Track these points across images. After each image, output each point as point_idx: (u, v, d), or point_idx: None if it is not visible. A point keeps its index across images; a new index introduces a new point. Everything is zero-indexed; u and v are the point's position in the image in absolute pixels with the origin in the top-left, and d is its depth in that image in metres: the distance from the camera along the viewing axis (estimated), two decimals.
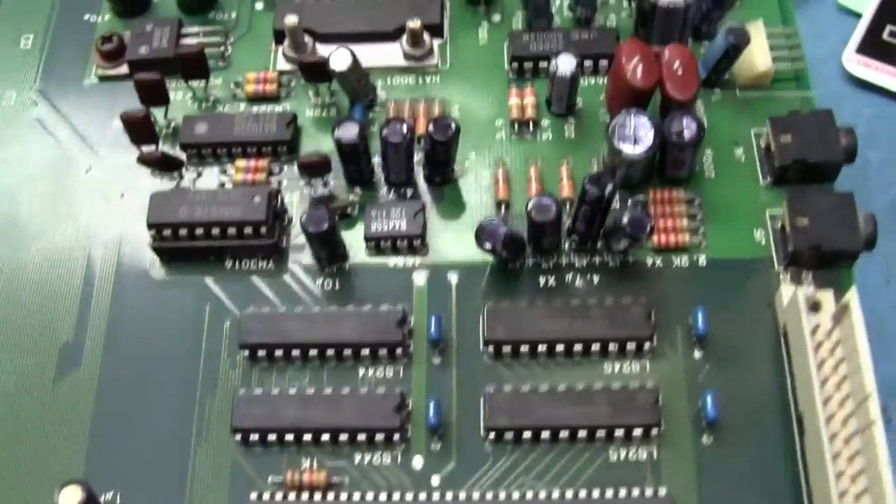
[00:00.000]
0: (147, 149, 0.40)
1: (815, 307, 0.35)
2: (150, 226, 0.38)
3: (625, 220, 0.35)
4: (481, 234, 0.36)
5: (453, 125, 0.37)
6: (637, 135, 0.37)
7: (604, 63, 0.41)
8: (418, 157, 0.39)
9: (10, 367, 0.37)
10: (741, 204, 0.38)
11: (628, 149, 0.37)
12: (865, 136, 0.52)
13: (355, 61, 0.39)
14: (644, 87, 0.38)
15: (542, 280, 0.37)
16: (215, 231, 0.37)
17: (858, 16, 0.58)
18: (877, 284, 0.47)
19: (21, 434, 0.36)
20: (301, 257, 0.38)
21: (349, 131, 0.37)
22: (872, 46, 0.56)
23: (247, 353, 0.36)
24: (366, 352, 0.36)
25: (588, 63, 0.41)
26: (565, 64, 0.39)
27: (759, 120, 0.40)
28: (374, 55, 0.42)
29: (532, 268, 0.38)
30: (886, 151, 0.52)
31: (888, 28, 0.56)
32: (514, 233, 0.36)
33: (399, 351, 0.36)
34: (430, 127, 0.37)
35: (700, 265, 0.37)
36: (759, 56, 0.40)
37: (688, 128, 0.37)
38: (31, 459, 0.35)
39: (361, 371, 0.36)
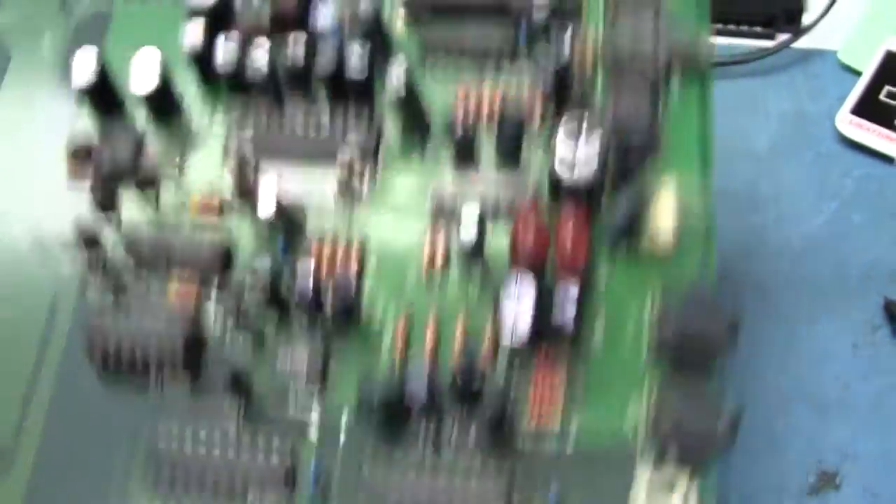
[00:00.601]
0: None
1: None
2: (84, 344, 0.43)
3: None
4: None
5: (353, 288, 0.41)
6: (520, 296, 0.40)
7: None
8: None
9: None
10: (620, 381, 0.40)
11: (508, 311, 0.40)
12: (852, 196, 0.57)
13: (281, 205, 0.43)
14: (533, 255, 0.40)
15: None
16: (139, 353, 0.42)
17: (858, 74, 0.59)
18: (844, 349, 0.50)
19: None
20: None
21: (260, 276, 0.41)
22: (868, 107, 0.59)
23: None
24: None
25: (503, 209, 0.43)
26: (468, 220, 0.41)
27: (657, 287, 0.41)
28: (311, 182, 0.45)
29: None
30: (870, 213, 0.55)
31: (886, 89, 0.56)
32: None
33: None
34: (335, 285, 0.41)
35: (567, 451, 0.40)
36: (663, 220, 0.42)
37: (568, 303, 0.40)
38: None
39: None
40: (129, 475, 0.41)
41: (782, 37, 0.65)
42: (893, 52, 0.61)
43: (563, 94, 0.44)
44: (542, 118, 0.45)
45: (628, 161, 0.42)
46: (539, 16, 0.44)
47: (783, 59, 0.64)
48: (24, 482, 0.42)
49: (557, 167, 0.41)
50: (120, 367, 0.43)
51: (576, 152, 0.41)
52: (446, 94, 0.46)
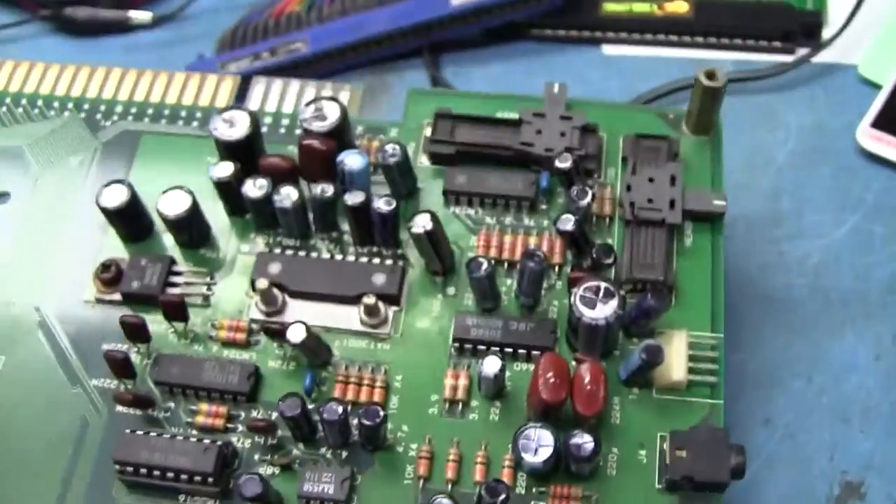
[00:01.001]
0: (122, 390, 0.46)
1: None
2: (115, 461, 0.44)
3: None
4: None
5: (381, 414, 0.43)
6: (538, 447, 0.43)
7: (536, 352, 0.46)
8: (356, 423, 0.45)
9: None
10: None
11: (528, 458, 0.42)
12: (873, 209, 0.58)
13: (309, 336, 0.45)
14: (550, 402, 0.43)
15: None
16: (169, 474, 0.44)
17: (878, 87, 0.61)
18: (867, 360, 0.52)
19: None
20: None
21: (293, 407, 0.43)
22: (888, 120, 0.60)
23: None
24: None
25: (522, 351, 0.46)
26: (490, 366, 0.44)
27: (668, 424, 0.44)
28: (336, 316, 0.47)
29: None
30: (891, 226, 0.57)
31: None
32: None
33: None
34: (362, 415, 0.43)
35: None
36: (676, 366, 0.45)
37: (584, 447, 0.42)
38: None
39: None
40: None
41: (802, 51, 0.65)
42: None
43: (581, 242, 0.47)
44: (561, 265, 0.49)
45: (641, 316, 0.46)
46: (563, 166, 0.48)
47: (803, 73, 0.64)
48: None
49: (577, 312, 0.44)
50: (149, 484, 0.44)
51: (595, 309, 0.44)
52: (467, 239, 0.50)
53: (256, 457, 0.45)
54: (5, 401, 0.47)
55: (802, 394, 0.52)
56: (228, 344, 0.48)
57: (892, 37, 0.64)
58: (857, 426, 0.51)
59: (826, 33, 0.65)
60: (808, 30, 0.65)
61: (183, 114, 0.55)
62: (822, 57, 0.64)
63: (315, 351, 0.46)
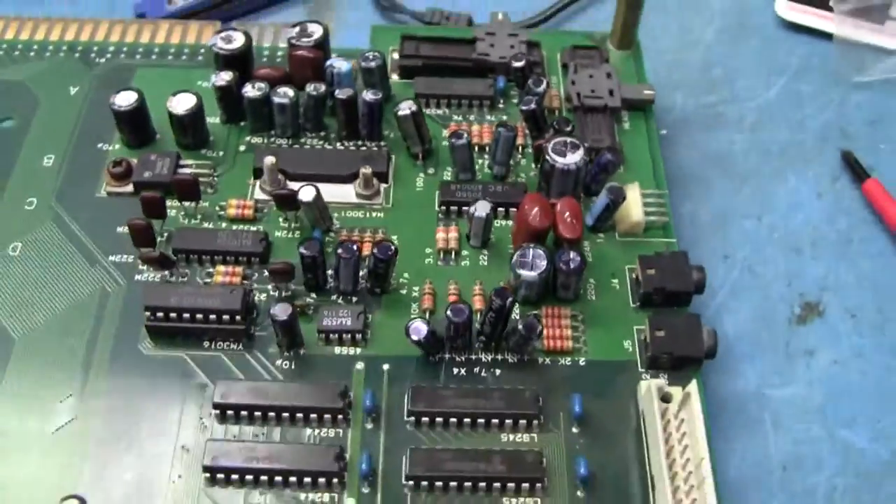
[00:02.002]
0: (146, 250, 0.51)
1: (666, 399, 0.47)
2: (146, 308, 0.48)
3: (519, 324, 0.47)
4: (409, 331, 0.47)
5: (392, 247, 0.49)
6: (534, 263, 0.50)
7: (513, 209, 0.54)
8: (364, 272, 0.51)
9: (18, 417, 0.47)
10: (615, 320, 0.50)
11: (526, 273, 0.49)
12: (798, 71, 0.66)
13: (318, 195, 0.51)
14: (540, 228, 0.50)
15: (455, 370, 0.49)
16: (199, 316, 0.48)
17: None
18: (810, 198, 0.60)
19: (24, 470, 0.45)
20: (266, 344, 0.49)
21: (312, 248, 0.49)
22: None
23: (218, 411, 0.47)
24: (314, 416, 0.46)
25: (501, 209, 0.54)
26: (482, 209, 0.51)
27: (632, 259, 0.52)
28: (333, 193, 0.54)
29: (448, 361, 0.49)
30: (816, 84, 0.65)
31: None
32: (435, 331, 0.48)
33: (340, 416, 0.47)
34: (374, 248, 0.49)
35: (581, 364, 0.49)
36: (634, 210, 0.53)
37: (573, 260, 0.49)
38: (30, 481, 0.45)
39: (309, 431, 0.47)
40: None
41: None
42: None
43: (541, 121, 0.56)
44: (523, 145, 0.57)
45: (601, 171, 0.54)
46: (518, 65, 0.57)
47: None
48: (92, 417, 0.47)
49: (551, 160, 0.52)
50: (177, 328, 0.49)
51: (566, 157, 0.52)
52: (440, 131, 0.58)
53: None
54: (26, 279, 0.51)
55: (755, 231, 0.58)
56: (237, 220, 0.53)
57: None
58: (809, 254, 0.57)
59: None
60: None
61: (172, 51, 0.62)
62: None
63: (322, 213, 0.52)
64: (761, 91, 0.65)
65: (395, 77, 0.61)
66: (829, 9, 0.68)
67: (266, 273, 0.51)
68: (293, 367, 0.49)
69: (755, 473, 0.50)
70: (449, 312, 0.47)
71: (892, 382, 0.53)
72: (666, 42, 0.63)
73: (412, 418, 0.47)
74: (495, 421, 0.47)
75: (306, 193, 0.51)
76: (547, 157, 0.52)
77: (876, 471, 0.50)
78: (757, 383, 0.53)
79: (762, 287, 0.56)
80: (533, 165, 0.56)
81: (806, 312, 0.55)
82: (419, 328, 0.47)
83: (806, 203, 0.60)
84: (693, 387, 0.46)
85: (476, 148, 0.57)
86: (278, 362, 0.49)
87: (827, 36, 0.67)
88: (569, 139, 0.53)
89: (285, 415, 0.46)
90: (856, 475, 0.50)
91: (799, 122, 0.63)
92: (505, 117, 0.58)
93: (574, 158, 0.52)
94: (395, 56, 0.61)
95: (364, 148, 0.56)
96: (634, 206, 0.54)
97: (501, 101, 0.59)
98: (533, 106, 0.55)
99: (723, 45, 0.68)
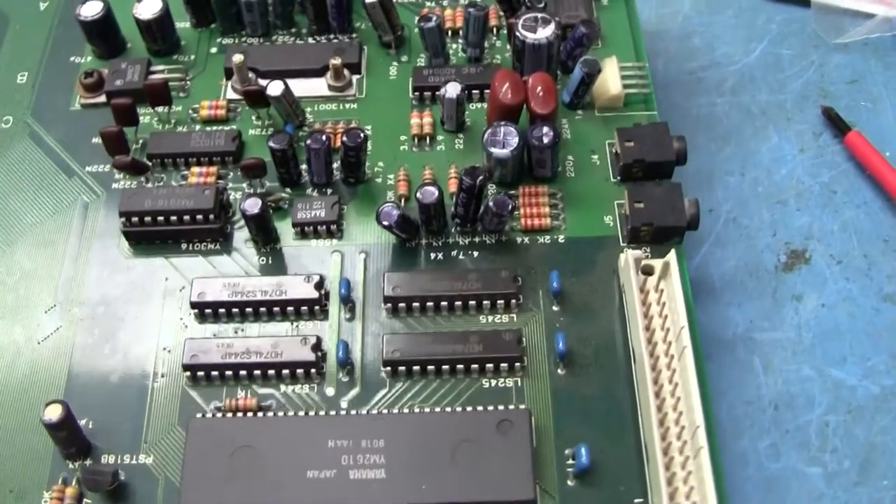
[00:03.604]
0: (120, 157, 0.52)
1: (647, 271, 0.47)
2: (121, 213, 0.50)
3: (490, 202, 0.48)
4: (379, 216, 0.48)
5: (362, 134, 0.50)
6: (505, 140, 0.50)
7: (487, 91, 0.53)
8: (337, 164, 0.52)
9: (5, 329, 0.48)
10: (595, 196, 0.51)
11: (497, 151, 0.50)
12: (778, 36, 0.67)
13: (287, 89, 0.52)
14: (512, 104, 0.50)
15: (432, 255, 0.49)
16: (173, 218, 0.49)
17: None
18: (792, 153, 0.61)
19: (13, 379, 0.47)
20: (242, 242, 0.50)
21: (281, 140, 0.50)
22: None
23: (196, 310, 0.48)
24: (291, 308, 0.48)
25: (475, 92, 0.54)
26: (452, 89, 0.51)
27: (612, 134, 0.52)
28: (305, 87, 0.54)
29: (425, 246, 0.50)
30: (795, 48, 0.66)
31: None
32: (406, 215, 0.48)
33: (317, 307, 0.48)
34: (344, 137, 0.50)
35: (560, 242, 0.49)
36: (612, 83, 0.53)
37: (546, 135, 0.49)
38: (19, 390, 0.47)
39: (287, 324, 0.48)
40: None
41: None
42: None
43: (510, 6, 0.55)
44: (497, 27, 0.57)
45: (577, 46, 0.54)
46: None
47: None
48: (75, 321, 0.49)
49: (521, 36, 0.52)
50: (153, 232, 0.50)
51: (536, 33, 0.52)
52: (412, 18, 0.57)
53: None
54: (6, 192, 0.53)
55: (738, 186, 0.60)
56: (209, 121, 0.54)
57: None
58: (794, 206, 0.59)
59: None
60: None
61: None
62: None
63: (293, 107, 0.52)
64: (741, 56, 0.66)
65: None
66: None
67: (239, 171, 0.52)
68: (270, 262, 0.50)
69: (747, 412, 0.51)
70: (418, 195, 0.48)
71: (880, 322, 0.54)
72: (645, 14, 0.64)
73: (388, 305, 0.48)
74: (473, 303, 0.47)
75: (274, 88, 0.52)
76: (517, 34, 0.52)
77: (868, 405, 0.51)
78: (746, 327, 0.54)
79: (748, 238, 0.57)
80: (507, 46, 0.56)
81: (792, 260, 0.56)
82: (390, 212, 0.48)
83: (789, 158, 0.61)
84: (672, 256, 0.46)
85: (450, 32, 0.57)
86: (255, 259, 0.50)
87: (805, 2, 0.68)
88: (539, 14, 0.52)
89: (262, 309, 0.48)
90: (847, 411, 0.51)
91: (780, 83, 0.64)
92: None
93: (545, 33, 0.52)
94: None
95: (336, 41, 0.57)
96: (612, 78, 0.53)
97: None
98: None
99: (701, 15, 0.69)
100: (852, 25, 0.66)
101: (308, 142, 0.50)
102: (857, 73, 0.64)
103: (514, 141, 0.49)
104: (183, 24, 0.58)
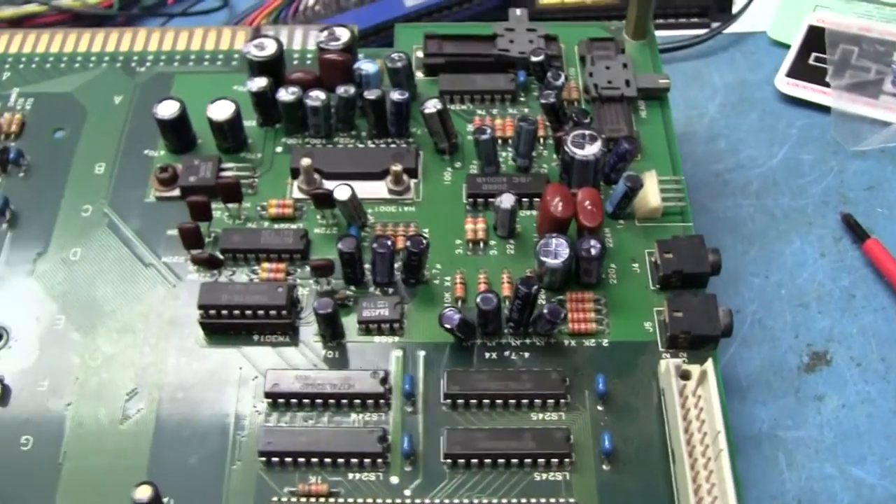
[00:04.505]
0: (196, 251, 0.57)
1: (685, 376, 0.52)
2: (200, 306, 0.54)
3: (545, 310, 0.53)
4: (441, 319, 0.53)
5: (424, 241, 0.55)
6: (557, 251, 0.55)
7: (536, 200, 0.59)
8: (398, 264, 0.57)
9: (90, 411, 0.53)
10: (636, 303, 0.56)
11: (550, 261, 0.55)
12: (799, 141, 0.73)
13: (353, 194, 0.57)
14: (562, 218, 0.55)
15: (486, 354, 0.54)
16: (248, 312, 0.54)
17: (787, 47, 0.77)
18: (814, 257, 0.67)
19: (98, 459, 0.52)
20: (310, 335, 0.55)
21: (349, 244, 0.55)
22: (801, 70, 0.76)
23: (270, 399, 0.53)
24: (358, 401, 0.52)
25: (525, 200, 0.59)
26: (507, 200, 0.57)
27: (651, 243, 0.57)
28: (366, 189, 0.59)
29: (480, 346, 0.54)
30: (815, 153, 0.72)
31: (813, 55, 0.75)
32: (466, 319, 0.53)
33: (382, 401, 0.53)
34: (407, 242, 0.55)
35: (604, 346, 0.54)
36: (652, 196, 0.58)
37: (594, 247, 0.55)
38: (103, 471, 0.51)
39: (354, 415, 0.52)
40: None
41: (716, 24, 0.81)
42: (814, 26, 0.78)
43: (560, 113, 0.61)
44: (545, 137, 0.62)
45: (619, 160, 0.59)
46: (537, 59, 0.62)
47: (721, 42, 0.80)
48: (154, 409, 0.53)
49: (570, 151, 0.57)
50: (229, 325, 0.55)
51: (584, 149, 0.57)
52: (464, 126, 0.63)
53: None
54: (88, 279, 0.57)
55: (762, 288, 0.65)
56: (277, 219, 0.59)
57: (791, 5, 0.81)
58: (815, 308, 0.64)
59: (736, 8, 0.82)
60: (719, 5, 0.82)
61: (207, 57, 0.67)
62: (735, 28, 0.81)
63: (357, 210, 0.58)
64: (764, 160, 0.72)
65: (420, 75, 0.66)
66: (827, 84, 0.75)
67: (308, 269, 0.57)
68: (336, 355, 0.54)
69: None
70: (479, 301, 0.53)
71: None
72: (673, 116, 0.68)
73: (448, 401, 0.53)
74: (525, 401, 0.52)
75: (341, 192, 0.57)
76: (566, 150, 0.57)
77: None
78: (771, 425, 0.59)
79: (772, 339, 0.63)
80: (554, 156, 0.61)
81: (814, 361, 0.62)
82: (451, 317, 0.53)
83: (810, 262, 0.66)
84: (709, 365, 0.51)
85: (499, 141, 0.62)
86: (321, 352, 0.54)
87: (825, 109, 0.74)
88: (587, 131, 0.58)
89: (331, 401, 0.52)
90: None
91: (801, 188, 0.70)
92: (526, 110, 0.64)
93: (592, 150, 0.57)
94: (419, 54, 0.66)
95: (393, 145, 0.62)
96: (652, 192, 0.59)
97: (523, 94, 0.64)
98: (552, 100, 0.60)
99: (726, 118, 0.75)
100: (870, 133, 0.72)
101: (374, 245, 0.55)
102: (875, 180, 0.70)
103: (565, 252, 0.55)
104: (249, 123, 0.63)
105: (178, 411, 0.53)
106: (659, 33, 0.69)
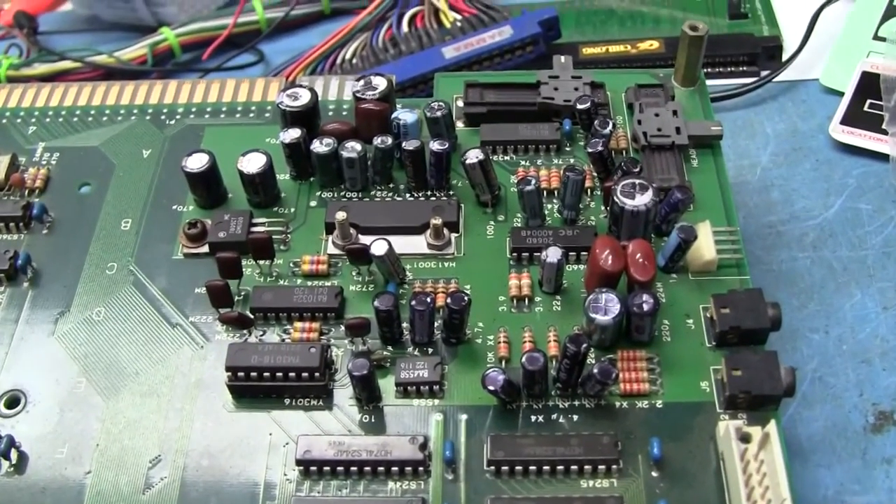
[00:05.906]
0: (225, 310, 0.55)
1: (745, 439, 0.50)
2: (228, 368, 0.52)
3: (595, 369, 0.50)
4: (485, 381, 0.51)
5: (466, 298, 0.52)
6: (607, 307, 0.53)
7: (584, 254, 0.57)
8: (438, 322, 0.55)
9: (111, 480, 0.51)
10: (691, 361, 0.53)
11: (600, 318, 0.52)
12: (856, 190, 0.71)
13: (390, 249, 0.55)
14: (613, 271, 0.53)
15: (533, 418, 0.52)
16: (279, 374, 0.52)
17: (840, 94, 0.75)
18: (876, 311, 0.64)
19: None
20: (345, 398, 0.53)
21: (386, 301, 0.53)
22: (855, 118, 0.74)
23: (301, 467, 0.50)
24: (395, 468, 0.50)
25: (572, 254, 0.57)
26: (553, 254, 0.54)
27: (706, 298, 0.55)
28: (404, 244, 0.57)
29: (526, 409, 0.52)
30: (874, 203, 0.69)
31: (868, 101, 0.73)
32: (511, 380, 0.51)
33: (421, 468, 0.50)
34: (448, 299, 0.53)
35: (658, 407, 0.52)
36: (706, 248, 0.56)
37: (646, 302, 0.52)
38: None
39: (391, 483, 0.50)
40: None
41: (766, 73, 0.80)
42: (868, 72, 0.76)
43: (608, 162, 0.59)
44: (592, 188, 0.60)
45: (671, 211, 0.57)
46: (583, 107, 0.60)
47: (771, 90, 0.79)
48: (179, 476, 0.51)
49: (620, 202, 0.55)
50: (258, 387, 0.53)
51: (635, 199, 0.55)
52: (507, 178, 0.61)
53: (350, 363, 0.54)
54: (111, 339, 0.56)
55: (823, 344, 0.63)
56: (311, 276, 0.57)
57: (844, 51, 0.80)
58: (879, 365, 0.61)
59: (786, 55, 0.81)
60: (769, 52, 0.81)
61: (239, 109, 0.66)
62: (786, 76, 0.79)
63: (395, 265, 0.56)
64: (820, 211, 0.70)
65: (460, 125, 0.64)
66: (884, 131, 0.73)
67: (342, 328, 0.55)
68: (372, 420, 0.52)
69: None
70: (524, 361, 0.51)
71: None
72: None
73: (492, 468, 0.50)
74: (574, 467, 0.50)
75: (378, 247, 0.55)
76: (616, 200, 0.55)
77: None
78: (836, 490, 0.56)
79: (834, 398, 0.60)
80: (602, 207, 0.59)
81: (881, 421, 0.59)
82: (495, 378, 0.51)
83: (872, 316, 0.64)
84: (772, 427, 0.49)
85: (545, 192, 0.60)
86: (357, 416, 0.52)
87: (882, 157, 0.72)
88: (637, 180, 0.56)
89: (367, 469, 0.50)
90: None
91: (860, 238, 0.68)
92: (572, 160, 0.62)
93: (643, 200, 0.55)
94: (460, 103, 0.65)
95: (433, 198, 0.60)
96: (706, 244, 0.56)
97: (568, 144, 0.63)
98: (600, 148, 0.58)
99: (779, 167, 0.73)
100: None
101: (413, 303, 0.52)
102: None
103: (616, 308, 0.52)
104: (282, 176, 0.62)
105: (204, 479, 0.51)
106: (707, 82, 0.68)
